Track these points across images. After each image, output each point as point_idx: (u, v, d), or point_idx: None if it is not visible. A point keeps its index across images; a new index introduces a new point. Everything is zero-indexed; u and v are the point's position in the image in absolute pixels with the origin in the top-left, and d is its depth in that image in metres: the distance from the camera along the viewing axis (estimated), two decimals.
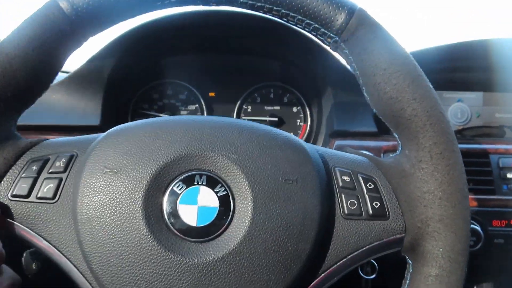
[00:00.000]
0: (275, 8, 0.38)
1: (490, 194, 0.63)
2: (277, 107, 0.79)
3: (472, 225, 0.61)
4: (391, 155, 0.40)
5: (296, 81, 0.79)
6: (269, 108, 0.79)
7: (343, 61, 0.70)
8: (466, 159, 0.64)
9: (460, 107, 0.80)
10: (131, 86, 0.76)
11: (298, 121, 0.79)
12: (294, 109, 0.80)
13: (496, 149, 0.66)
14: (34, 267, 0.51)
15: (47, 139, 0.39)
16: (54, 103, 0.66)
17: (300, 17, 0.37)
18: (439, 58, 0.75)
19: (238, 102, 0.79)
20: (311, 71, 0.73)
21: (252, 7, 0.38)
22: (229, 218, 0.34)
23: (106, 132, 0.38)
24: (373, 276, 0.61)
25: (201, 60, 0.79)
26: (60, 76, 0.66)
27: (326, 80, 0.70)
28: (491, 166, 0.65)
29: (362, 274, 0.61)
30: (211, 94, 0.79)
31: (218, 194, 0.34)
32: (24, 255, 0.53)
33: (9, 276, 0.41)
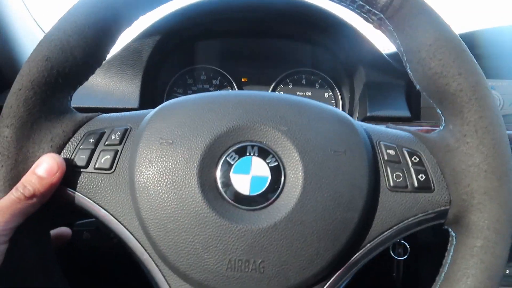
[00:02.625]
0: None
1: None
2: (309, 93, 0.80)
3: None
4: (435, 130, 0.41)
5: (328, 66, 0.80)
6: (301, 93, 0.80)
7: (375, 44, 0.71)
8: None
9: None
10: (167, 71, 0.78)
11: None
12: (326, 95, 0.80)
13: None
14: (84, 238, 0.54)
15: (100, 114, 0.41)
16: (94, 86, 0.68)
17: None
18: (469, 45, 0.74)
19: (270, 88, 0.80)
20: (343, 54, 0.74)
21: None
22: (280, 187, 0.35)
23: (159, 107, 0.39)
24: (405, 257, 0.62)
25: (234, 46, 0.80)
26: None
27: (358, 64, 0.70)
28: None
29: (393, 255, 0.62)
30: (244, 79, 0.80)
31: (269, 165, 0.36)
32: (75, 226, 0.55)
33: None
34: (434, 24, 0.37)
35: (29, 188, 0.35)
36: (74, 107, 0.67)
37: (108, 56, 0.70)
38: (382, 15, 0.38)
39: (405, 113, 0.67)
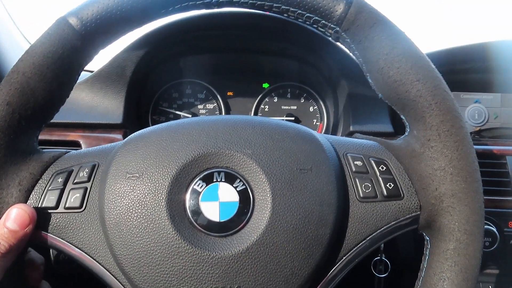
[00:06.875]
0: (275, 5, 0.39)
1: (506, 196, 0.63)
2: (294, 107, 0.80)
3: (487, 226, 0.61)
4: (400, 137, 0.41)
5: (312, 81, 0.80)
6: (286, 107, 0.80)
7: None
8: (482, 160, 0.64)
9: (477, 108, 0.79)
10: (152, 85, 0.78)
11: (315, 120, 0.80)
12: (311, 109, 0.81)
13: None
14: (61, 260, 0.53)
15: (68, 151, 0.41)
16: (78, 101, 0.68)
17: (300, 11, 0.39)
18: (457, 59, 0.75)
19: (256, 102, 0.80)
20: (326, 70, 0.74)
21: (252, 6, 0.39)
22: (250, 211, 0.35)
23: (124, 140, 0.39)
24: (386, 274, 0.62)
25: (220, 60, 0.80)
26: (84, 75, 0.68)
27: (341, 78, 0.70)
28: (507, 168, 0.64)
29: (375, 273, 0.62)
30: (229, 93, 0.81)
31: (237, 189, 0.36)
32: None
33: None
34: (389, 33, 0.37)
35: (4, 244, 0.35)
36: (57, 123, 0.67)
37: (93, 69, 0.71)
38: (338, 28, 0.39)
39: (388, 128, 0.68)
